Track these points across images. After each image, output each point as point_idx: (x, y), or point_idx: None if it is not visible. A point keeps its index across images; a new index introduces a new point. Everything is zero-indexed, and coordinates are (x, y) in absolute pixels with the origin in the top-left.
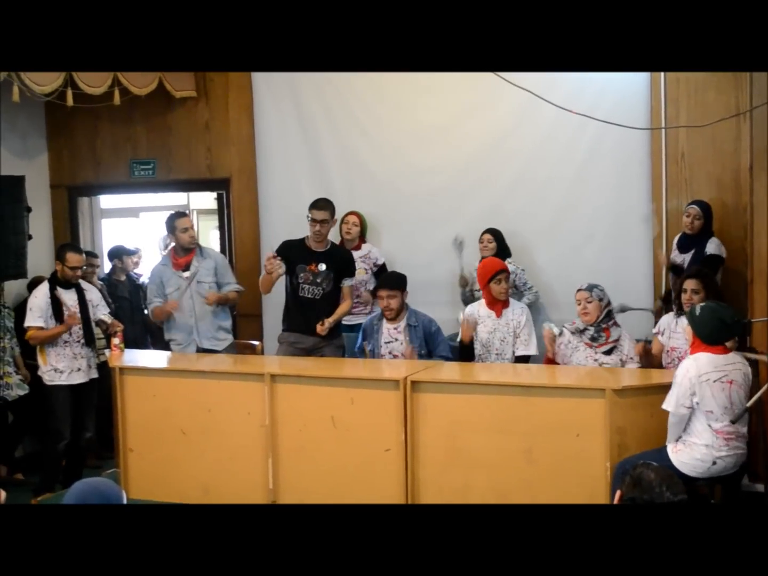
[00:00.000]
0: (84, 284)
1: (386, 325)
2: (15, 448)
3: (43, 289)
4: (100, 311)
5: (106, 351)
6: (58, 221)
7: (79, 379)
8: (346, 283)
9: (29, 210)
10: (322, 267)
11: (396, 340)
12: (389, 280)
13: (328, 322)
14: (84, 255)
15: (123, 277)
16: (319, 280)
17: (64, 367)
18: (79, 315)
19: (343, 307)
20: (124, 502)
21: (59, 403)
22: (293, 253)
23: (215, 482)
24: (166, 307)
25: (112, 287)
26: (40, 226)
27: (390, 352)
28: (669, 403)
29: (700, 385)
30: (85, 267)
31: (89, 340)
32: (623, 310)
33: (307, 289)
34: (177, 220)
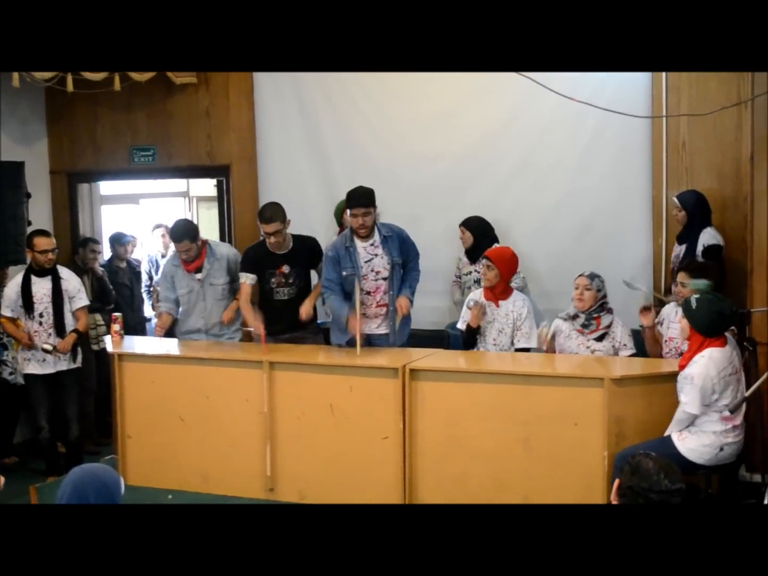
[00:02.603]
0: (64, 273)
1: (361, 244)
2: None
3: (17, 278)
4: (77, 303)
5: (106, 338)
6: (58, 207)
7: (47, 369)
8: (319, 266)
9: (29, 196)
10: (284, 269)
11: (376, 255)
12: (363, 197)
13: (307, 308)
14: (53, 238)
15: (123, 264)
16: (291, 280)
17: (30, 355)
18: (36, 340)
19: (318, 285)
20: (122, 488)
21: (30, 391)
22: (260, 260)
23: (213, 469)
24: (159, 324)
25: (112, 274)
26: (39, 212)
27: (372, 270)
28: (692, 406)
29: (720, 382)
30: (56, 250)
31: (60, 330)
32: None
33: (282, 291)
34: (176, 244)
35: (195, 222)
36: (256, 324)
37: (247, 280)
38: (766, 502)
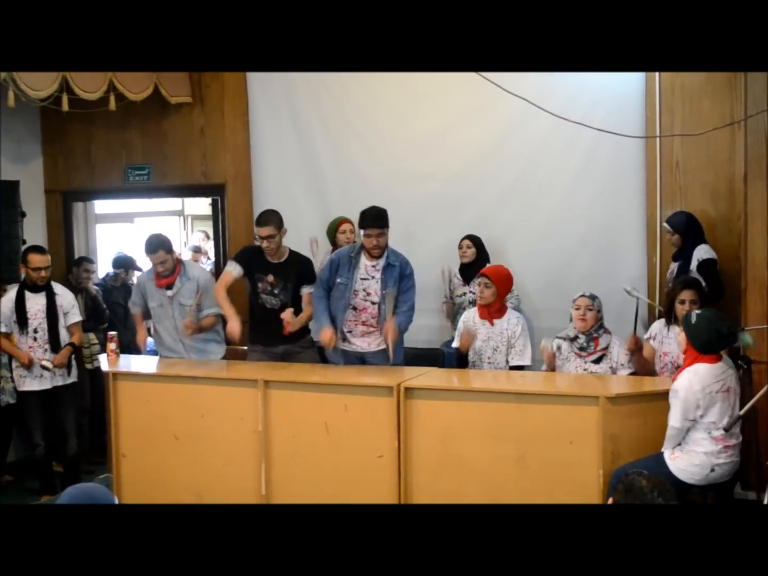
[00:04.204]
0: (58, 288)
1: (364, 261)
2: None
3: (10, 294)
4: (71, 318)
5: (100, 356)
6: (53, 226)
7: (43, 385)
8: (305, 291)
9: (24, 215)
10: (270, 278)
11: (372, 278)
12: (379, 218)
13: (296, 321)
14: (48, 256)
15: (118, 283)
16: (276, 292)
17: (26, 373)
18: (34, 356)
19: (303, 315)
20: None
21: (25, 409)
22: (252, 260)
23: (208, 488)
24: (138, 337)
25: (107, 293)
26: (34, 231)
27: (364, 290)
28: (675, 419)
29: (704, 398)
30: (50, 267)
31: (54, 346)
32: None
33: (266, 299)
34: (151, 256)
35: (179, 242)
36: (227, 309)
37: (233, 270)
38: (765, 502)
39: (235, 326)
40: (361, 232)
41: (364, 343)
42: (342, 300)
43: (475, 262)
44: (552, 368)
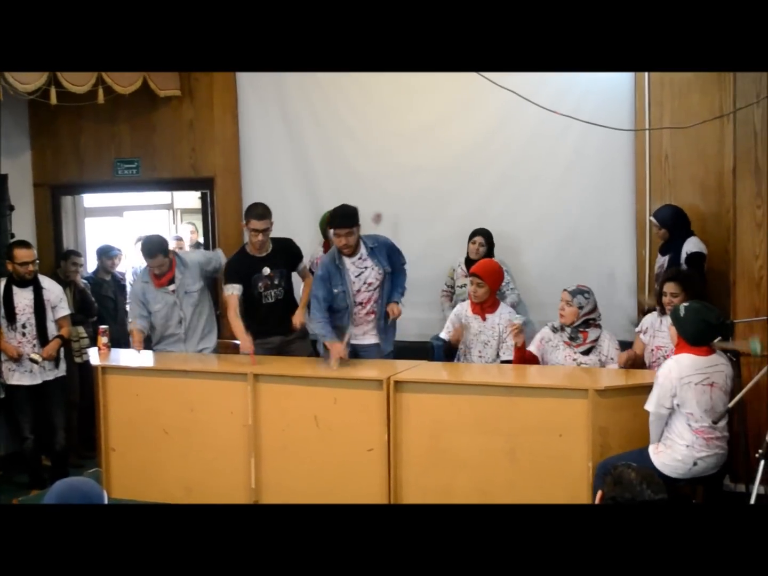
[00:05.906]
0: (46, 282)
1: (349, 261)
2: None
3: None
4: (60, 312)
5: (89, 350)
6: (42, 220)
7: (31, 380)
8: (300, 267)
9: (12, 209)
10: (267, 272)
11: (366, 268)
12: (345, 218)
13: (300, 317)
14: (33, 250)
15: (108, 277)
16: (277, 281)
17: (15, 366)
18: (23, 351)
19: (305, 289)
20: (105, 501)
21: (15, 402)
22: (243, 269)
23: (197, 482)
24: (137, 341)
25: (96, 286)
26: (23, 225)
27: (365, 282)
28: (650, 404)
29: (681, 387)
30: (37, 261)
31: (43, 341)
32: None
33: (270, 294)
34: (150, 260)
35: (167, 235)
36: (245, 342)
37: (234, 291)
38: (752, 501)
39: (247, 345)
40: (331, 231)
41: (359, 332)
42: (345, 305)
43: (486, 256)
44: (522, 343)
